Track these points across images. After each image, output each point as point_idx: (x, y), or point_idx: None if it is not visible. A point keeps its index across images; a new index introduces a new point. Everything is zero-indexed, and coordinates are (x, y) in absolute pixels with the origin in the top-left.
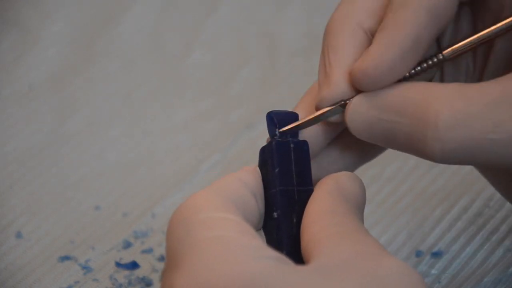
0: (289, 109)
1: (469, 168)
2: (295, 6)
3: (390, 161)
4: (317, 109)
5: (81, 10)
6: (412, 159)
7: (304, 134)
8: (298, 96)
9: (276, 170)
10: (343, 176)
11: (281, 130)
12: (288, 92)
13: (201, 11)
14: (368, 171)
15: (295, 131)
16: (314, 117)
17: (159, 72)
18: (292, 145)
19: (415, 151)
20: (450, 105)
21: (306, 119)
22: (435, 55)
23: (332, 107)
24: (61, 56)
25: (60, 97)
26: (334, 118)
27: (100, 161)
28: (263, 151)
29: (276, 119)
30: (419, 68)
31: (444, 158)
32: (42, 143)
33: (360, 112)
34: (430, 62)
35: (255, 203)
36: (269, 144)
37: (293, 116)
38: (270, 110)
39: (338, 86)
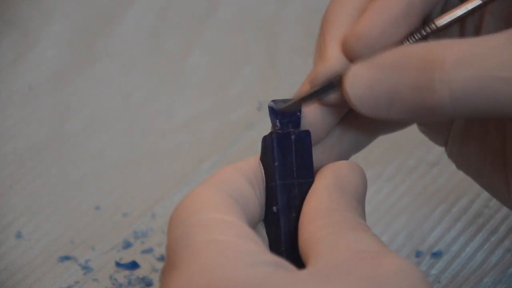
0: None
1: None
2: (295, 6)
3: (390, 161)
4: (312, 85)
5: (81, 10)
6: (412, 159)
7: (305, 121)
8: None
9: (276, 164)
10: (342, 166)
11: (276, 107)
12: (288, 92)
13: (201, 11)
14: (368, 171)
15: (296, 121)
16: (309, 94)
17: (159, 72)
18: (293, 137)
19: (420, 106)
20: (456, 48)
21: (301, 96)
22: (428, 25)
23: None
24: (61, 56)
25: (60, 97)
26: (331, 98)
27: (100, 161)
28: (264, 140)
29: (277, 109)
30: (412, 38)
31: (453, 104)
32: (42, 143)
33: (360, 76)
34: (424, 32)
35: (254, 197)
36: (269, 135)
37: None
38: (272, 99)
39: (332, 60)
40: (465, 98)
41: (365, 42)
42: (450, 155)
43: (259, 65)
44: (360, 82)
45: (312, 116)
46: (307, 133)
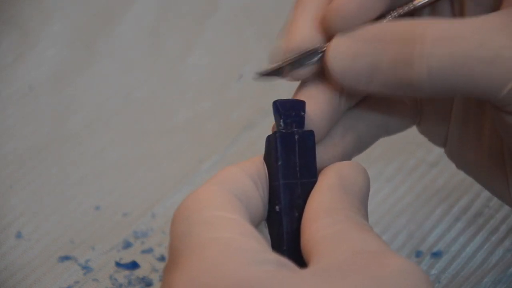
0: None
1: None
2: None
3: (390, 161)
4: (271, 61)
5: (81, 10)
6: (413, 160)
7: (307, 119)
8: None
9: (279, 163)
10: (345, 167)
11: (260, 72)
12: (288, 92)
13: (201, 11)
14: (368, 171)
15: (300, 121)
16: (290, 59)
17: (159, 72)
18: (297, 136)
19: (399, 80)
20: (438, 27)
21: (282, 61)
22: (407, 4)
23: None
24: (61, 56)
25: (60, 97)
26: (304, 71)
27: (100, 161)
28: (268, 140)
29: (281, 108)
30: (394, 14)
31: (431, 79)
32: (42, 143)
33: (341, 48)
34: (401, 11)
35: (258, 196)
36: (273, 135)
37: (300, 104)
38: (276, 99)
39: (302, 34)
40: (442, 75)
41: (344, 15)
42: (450, 155)
43: (259, 65)
44: (342, 55)
45: (314, 113)
46: (311, 133)
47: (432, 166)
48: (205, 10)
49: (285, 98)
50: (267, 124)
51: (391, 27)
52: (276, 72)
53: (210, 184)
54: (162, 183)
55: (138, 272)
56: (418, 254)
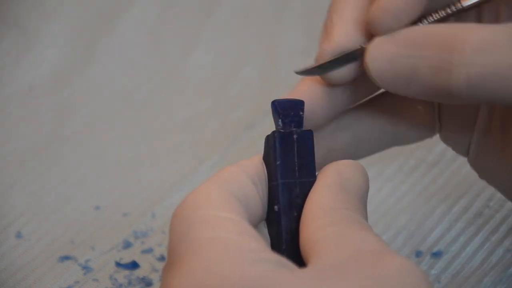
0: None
1: (469, 168)
2: (295, 6)
3: (391, 161)
4: (317, 63)
5: (81, 10)
6: (412, 159)
7: (306, 113)
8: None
9: (278, 163)
10: (344, 165)
11: (299, 71)
12: (288, 92)
13: (201, 11)
14: (368, 171)
15: (299, 121)
16: (330, 61)
17: (159, 72)
18: (295, 136)
19: (437, 86)
20: (478, 33)
21: (321, 62)
22: (453, 4)
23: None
24: (61, 56)
25: (60, 97)
26: (340, 74)
27: (100, 161)
28: (267, 139)
29: (279, 108)
30: (436, 15)
31: (469, 87)
32: (42, 143)
33: (381, 50)
34: (449, 10)
35: (257, 196)
36: (272, 134)
37: (298, 104)
38: (274, 99)
39: (341, 36)
40: (481, 84)
41: (392, 14)
42: (472, 164)
43: (259, 65)
44: (381, 56)
45: (310, 104)
46: (310, 132)
47: (432, 166)
48: (205, 10)
49: (285, 98)
50: (267, 124)
51: (432, 31)
52: (316, 71)
53: (209, 183)
54: (162, 183)
55: (138, 272)
56: (418, 254)
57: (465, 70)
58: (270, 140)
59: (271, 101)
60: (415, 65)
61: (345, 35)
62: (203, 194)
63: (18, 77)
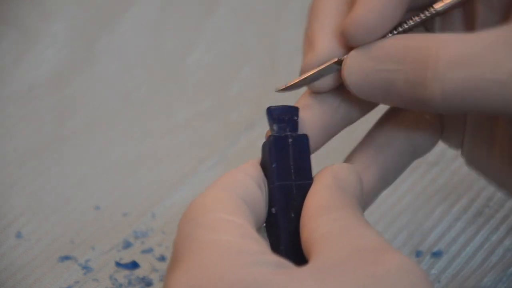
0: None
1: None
2: (295, 6)
3: None
4: (302, 73)
5: (81, 10)
6: None
7: (304, 129)
8: (297, 96)
9: (273, 166)
10: (339, 168)
11: (280, 88)
12: (288, 92)
13: (201, 11)
14: None
15: (294, 125)
16: (301, 80)
17: (159, 72)
18: (290, 140)
19: (413, 99)
20: (451, 47)
21: (294, 81)
22: (427, 9)
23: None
24: (61, 56)
25: (60, 97)
26: (323, 83)
27: (100, 161)
28: (263, 146)
29: (274, 113)
30: (410, 22)
31: (444, 101)
32: (42, 143)
33: (357, 65)
34: (423, 16)
35: (261, 197)
36: (267, 139)
37: (293, 111)
38: (269, 106)
39: (321, 49)
40: (456, 97)
41: (364, 27)
42: (466, 161)
43: (259, 65)
44: (357, 70)
45: (311, 125)
46: (305, 136)
47: (432, 166)
48: (205, 10)
49: (285, 98)
50: (267, 124)
51: (406, 45)
52: (301, 84)
53: (218, 186)
54: (162, 183)
55: (138, 272)
56: (418, 254)
57: (439, 85)
58: (266, 145)
59: (266, 108)
60: (390, 79)
61: (326, 48)
62: (210, 197)
63: (18, 77)
